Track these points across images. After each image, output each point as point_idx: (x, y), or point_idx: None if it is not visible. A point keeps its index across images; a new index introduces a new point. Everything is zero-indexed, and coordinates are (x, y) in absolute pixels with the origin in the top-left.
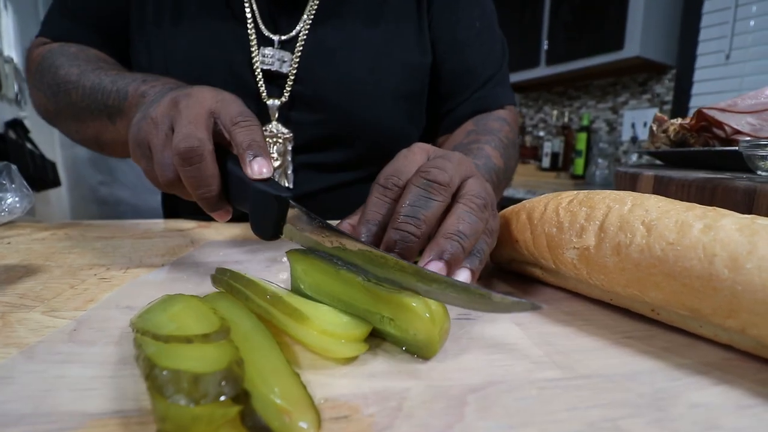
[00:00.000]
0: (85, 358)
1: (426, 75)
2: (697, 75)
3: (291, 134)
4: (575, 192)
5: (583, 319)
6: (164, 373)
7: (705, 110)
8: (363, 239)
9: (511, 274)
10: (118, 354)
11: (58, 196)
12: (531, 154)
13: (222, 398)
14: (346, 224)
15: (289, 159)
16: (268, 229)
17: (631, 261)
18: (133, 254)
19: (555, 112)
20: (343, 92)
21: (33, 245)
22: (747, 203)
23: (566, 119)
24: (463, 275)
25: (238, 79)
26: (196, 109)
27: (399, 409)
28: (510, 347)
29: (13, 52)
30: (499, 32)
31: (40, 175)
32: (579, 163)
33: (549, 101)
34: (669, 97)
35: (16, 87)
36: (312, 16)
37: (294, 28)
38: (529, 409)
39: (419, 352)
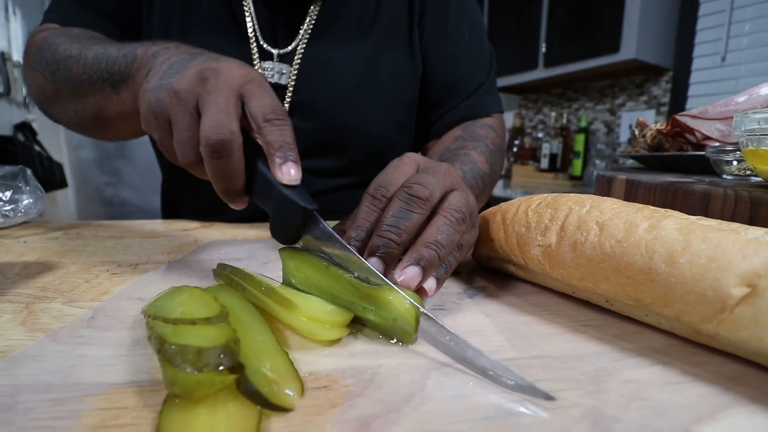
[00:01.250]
0: (103, 341)
1: (417, 85)
2: (694, 77)
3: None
4: (545, 195)
5: (547, 310)
6: (173, 347)
7: (678, 117)
8: (352, 243)
9: (489, 271)
10: (132, 337)
11: (65, 197)
12: (529, 155)
13: (221, 368)
14: (338, 230)
15: None
16: (288, 235)
17: (585, 257)
18: (142, 252)
19: (553, 114)
20: (338, 102)
21: (48, 244)
22: (703, 205)
23: (565, 121)
24: (430, 283)
25: None
26: (225, 92)
27: (371, 381)
28: (476, 333)
29: (21, 56)
30: (488, 42)
31: (47, 176)
32: (577, 164)
33: (548, 103)
34: (666, 99)
35: (24, 90)
36: (309, 31)
37: (292, 42)
38: (481, 383)
39: (398, 336)
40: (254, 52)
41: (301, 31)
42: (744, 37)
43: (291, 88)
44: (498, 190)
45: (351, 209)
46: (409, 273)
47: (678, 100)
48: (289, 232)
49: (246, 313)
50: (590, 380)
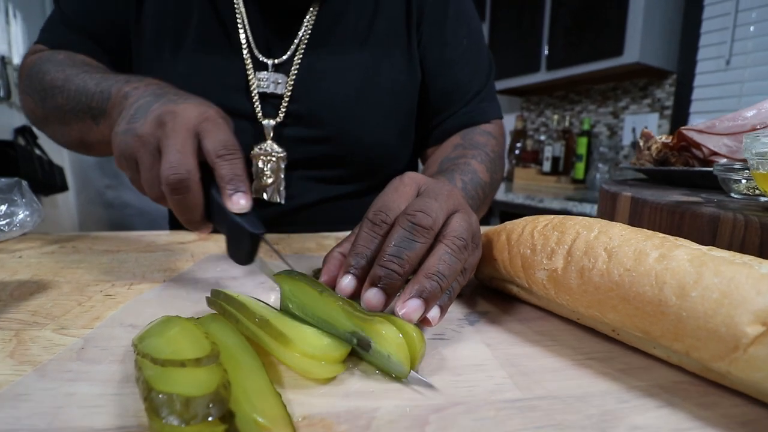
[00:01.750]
0: (92, 376)
1: (415, 93)
2: (698, 80)
3: (284, 153)
4: (552, 216)
5: (551, 339)
6: (160, 396)
7: (684, 131)
8: (352, 271)
9: (492, 291)
10: (122, 372)
11: (66, 201)
12: (532, 158)
13: (209, 419)
14: (336, 253)
15: (282, 176)
16: (242, 257)
17: (592, 284)
18: (137, 269)
19: (556, 117)
20: (335, 111)
21: (43, 259)
22: (711, 229)
23: (567, 123)
24: (434, 312)
25: (235, 103)
26: (182, 134)
27: (368, 428)
28: (477, 368)
29: (21, 59)
30: (486, 48)
31: (48, 180)
32: (580, 168)
33: (550, 105)
34: (669, 102)
35: None
36: (306, 40)
37: (287, 52)
38: (484, 429)
39: (393, 372)
40: (248, 63)
41: (296, 41)
42: (749, 40)
43: (287, 98)
44: (500, 194)
45: (348, 221)
46: (411, 306)
47: (682, 104)
48: (243, 254)
49: (238, 348)
50: (595, 426)
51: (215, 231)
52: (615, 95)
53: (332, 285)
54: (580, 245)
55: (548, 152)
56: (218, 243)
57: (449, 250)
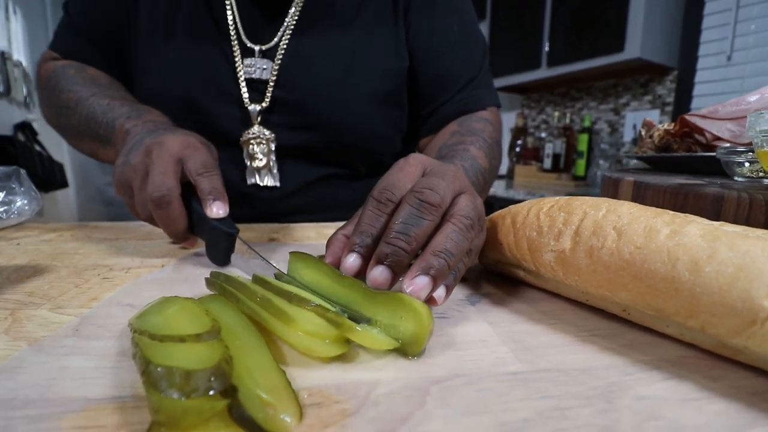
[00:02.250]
0: (88, 351)
1: (404, 79)
2: (699, 76)
3: (273, 135)
4: (557, 198)
5: (555, 318)
6: (158, 369)
7: (687, 117)
8: (357, 249)
9: (497, 276)
10: (118, 347)
11: (66, 197)
12: (532, 155)
13: (211, 393)
14: (340, 235)
15: (273, 158)
16: (220, 258)
17: (602, 263)
18: (136, 255)
19: (557, 114)
20: (321, 97)
21: (41, 246)
22: (715, 209)
23: (568, 120)
24: (440, 292)
25: (224, 89)
26: (165, 159)
27: (367, 398)
28: (479, 344)
29: (21, 56)
30: (480, 36)
31: (48, 176)
32: (581, 165)
33: (551, 102)
34: (670, 99)
35: (24, 90)
36: (293, 26)
37: (274, 38)
38: (486, 400)
39: (407, 349)
40: (235, 49)
41: (283, 26)
42: (750, 36)
43: (272, 83)
44: (501, 190)
45: (341, 204)
46: (418, 283)
47: (683, 100)
48: (221, 255)
49: (240, 326)
50: (601, 397)
51: (253, 209)
52: (616, 92)
53: (337, 266)
54: (588, 225)
55: (549, 149)
56: None
57: (456, 229)
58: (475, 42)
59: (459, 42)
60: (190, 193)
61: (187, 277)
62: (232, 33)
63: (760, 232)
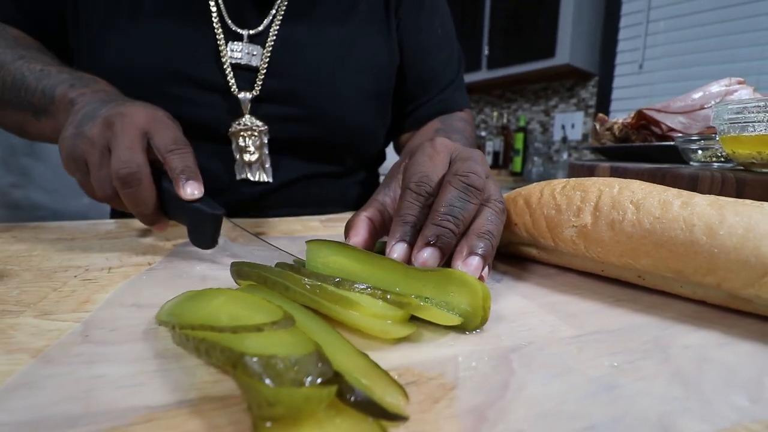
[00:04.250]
0: (116, 357)
1: (393, 76)
2: (616, 82)
3: (266, 127)
4: (565, 180)
5: (578, 288)
6: (255, 359)
7: (644, 111)
8: (404, 238)
9: (507, 257)
10: (151, 350)
11: None
12: None
13: (321, 379)
14: (364, 216)
15: (266, 152)
16: (206, 241)
17: (624, 234)
18: (109, 254)
19: (495, 114)
20: (313, 87)
21: None
22: (691, 187)
23: (505, 120)
24: (485, 270)
25: (203, 73)
26: (131, 132)
27: (457, 371)
28: (527, 315)
29: None
30: (457, 43)
31: None
32: (517, 161)
33: (489, 103)
34: (593, 102)
35: None
36: (282, 13)
37: (262, 23)
38: (565, 361)
39: (467, 324)
40: (218, 32)
41: (273, 11)
42: (658, 47)
43: (263, 71)
44: None
45: (333, 199)
46: (473, 264)
47: (603, 103)
48: (206, 238)
49: (300, 313)
50: (655, 349)
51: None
52: (546, 95)
53: (364, 246)
54: (606, 201)
55: (489, 147)
56: None
57: (494, 212)
58: (454, 46)
59: (442, 44)
60: (158, 172)
61: (188, 273)
62: (214, 14)
63: (748, 201)
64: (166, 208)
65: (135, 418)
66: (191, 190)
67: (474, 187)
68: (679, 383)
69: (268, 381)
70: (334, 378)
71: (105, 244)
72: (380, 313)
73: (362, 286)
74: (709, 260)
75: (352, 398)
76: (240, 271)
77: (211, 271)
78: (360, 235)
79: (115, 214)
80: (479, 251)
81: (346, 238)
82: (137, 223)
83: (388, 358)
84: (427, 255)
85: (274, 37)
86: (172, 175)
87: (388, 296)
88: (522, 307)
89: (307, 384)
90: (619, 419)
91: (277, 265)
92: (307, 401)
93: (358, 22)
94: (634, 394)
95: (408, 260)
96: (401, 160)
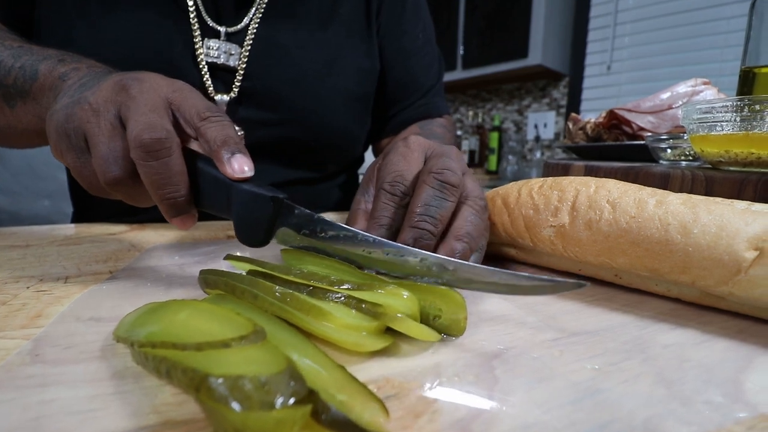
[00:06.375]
0: (68, 378)
1: (375, 80)
2: (586, 83)
3: (242, 132)
4: (542, 179)
5: None
6: (219, 381)
7: (616, 110)
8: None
9: (487, 256)
10: (108, 369)
11: None
12: None
13: (293, 399)
14: (362, 211)
15: None
16: (259, 235)
17: (601, 234)
18: (66, 263)
19: (470, 113)
20: (296, 90)
21: None
22: (662, 185)
23: (480, 119)
24: None
25: (177, 70)
26: (152, 96)
27: (439, 382)
28: (507, 318)
29: None
30: (437, 48)
31: None
32: (492, 160)
33: (465, 102)
34: (564, 102)
35: None
36: (262, 11)
37: (242, 20)
38: (547, 365)
39: (448, 332)
40: (195, 27)
41: (252, 10)
42: (625, 49)
43: (241, 72)
44: None
45: (307, 203)
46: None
47: (573, 103)
48: (260, 230)
49: (273, 325)
50: (635, 349)
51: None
52: (520, 94)
53: None
54: (583, 200)
55: (465, 146)
56: (159, 232)
57: (473, 211)
58: (435, 52)
59: (423, 49)
60: (187, 154)
61: (152, 282)
62: (191, 7)
63: (719, 199)
64: (196, 195)
65: None
66: (239, 166)
67: (450, 183)
68: (661, 385)
69: (234, 405)
70: (308, 397)
71: (63, 251)
72: (354, 324)
73: (337, 296)
74: (684, 258)
75: (328, 418)
76: (207, 279)
77: (178, 280)
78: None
79: (78, 217)
80: (456, 255)
81: None
82: (100, 228)
83: (367, 368)
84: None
85: (253, 37)
86: (211, 148)
87: (363, 306)
88: (502, 308)
89: (278, 406)
90: (606, 425)
91: (250, 271)
92: (278, 425)
93: (339, 26)
94: (618, 398)
95: None
96: (376, 161)
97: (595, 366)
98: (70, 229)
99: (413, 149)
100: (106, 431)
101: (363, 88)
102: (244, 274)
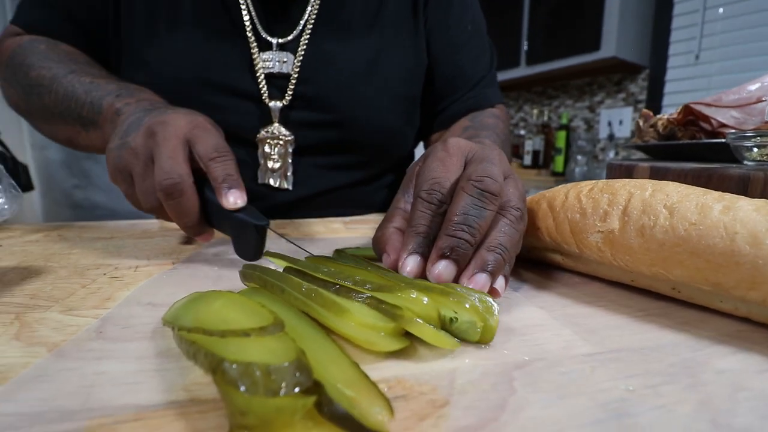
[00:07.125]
0: (121, 354)
1: (421, 78)
2: (669, 75)
3: (292, 136)
4: (594, 181)
5: (604, 300)
6: (233, 366)
7: (692, 105)
8: (417, 250)
9: (530, 262)
10: (155, 348)
11: (30, 201)
12: (513, 152)
13: (298, 388)
14: (393, 229)
15: (290, 161)
16: (250, 253)
17: (655, 241)
18: (139, 253)
19: (535, 111)
20: (345, 94)
21: (28, 247)
22: (741, 190)
23: (546, 118)
24: (500, 282)
25: (239, 83)
26: (172, 141)
27: (452, 387)
28: (540, 328)
29: None
30: (488, 37)
31: (12, 179)
32: (559, 161)
33: (529, 100)
34: (643, 96)
35: None
36: (312, 22)
37: (293, 32)
38: (574, 382)
39: (465, 336)
40: (252, 41)
41: (302, 21)
42: (716, 35)
43: (294, 79)
44: None
45: (357, 210)
46: (478, 281)
47: (654, 97)
48: (250, 249)
49: (295, 318)
50: (683, 373)
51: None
52: (591, 90)
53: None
54: (636, 204)
55: (528, 146)
56: None
57: (508, 222)
58: (485, 41)
59: (472, 40)
60: (201, 180)
61: (206, 273)
62: (247, 24)
63: None
64: (209, 217)
65: (123, 416)
66: (234, 200)
67: (489, 192)
68: (705, 415)
69: (242, 389)
70: (313, 388)
71: (138, 244)
72: (372, 323)
73: (361, 295)
74: (753, 272)
75: (329, 411)
76: (245, 273)
77: (227, 273)
78: (397, 252)
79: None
80: (488, 267)
81: (379, 254)
82: (168, 224)
83: (382, 368)
84: (441, 268)
85: (305, 46)
86: (215, 184)
87: (383, 306)
88: (537, 319)
89: (281, 394)
90: None
91: (286, 268)
92: (278, 412)
93: (385, 27)
94: (649, 424)
95: (422, 274)
96: (416, 162)
97: (629, 387)
98: (145, 224)
99: (452, 153)
100: (141, 403)
101: (410, 87)
102: (280, 270)
